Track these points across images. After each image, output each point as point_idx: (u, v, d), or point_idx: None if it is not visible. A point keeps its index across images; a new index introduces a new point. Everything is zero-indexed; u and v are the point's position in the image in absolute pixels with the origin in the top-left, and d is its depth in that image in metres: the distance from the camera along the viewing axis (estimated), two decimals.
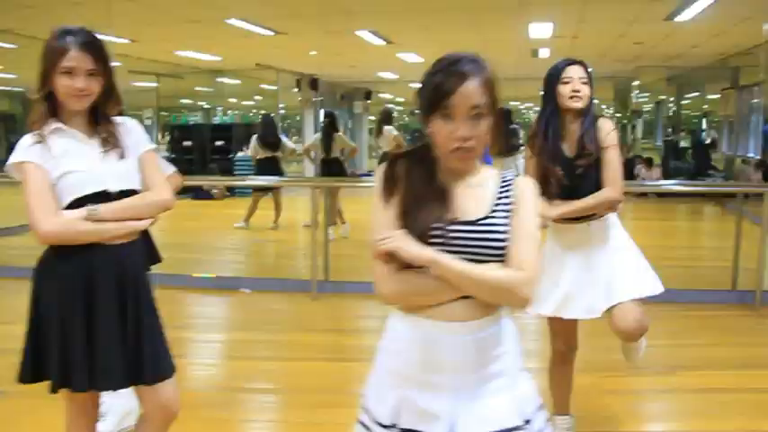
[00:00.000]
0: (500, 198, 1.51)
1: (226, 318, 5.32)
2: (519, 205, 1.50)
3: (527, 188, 1.54)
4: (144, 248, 2.11)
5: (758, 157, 11.16)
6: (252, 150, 8.33)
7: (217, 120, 16.32)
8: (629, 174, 10.01)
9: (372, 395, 1.56)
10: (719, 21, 7.70)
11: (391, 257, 1.43)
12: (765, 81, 9.63)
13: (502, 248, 1.46)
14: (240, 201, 9.92)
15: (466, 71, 1.41)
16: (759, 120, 11.27)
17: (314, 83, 13.23)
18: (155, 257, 2.50)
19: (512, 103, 21.67)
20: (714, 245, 7.65)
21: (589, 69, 2.55)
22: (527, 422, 1.48)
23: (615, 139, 2.53)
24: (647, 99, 16.95)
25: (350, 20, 7.89)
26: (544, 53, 10.30)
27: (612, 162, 2.51)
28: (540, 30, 8.29)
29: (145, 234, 2.12)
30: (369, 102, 18.54)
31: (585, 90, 2.50)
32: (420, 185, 1.49)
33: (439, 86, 1.42)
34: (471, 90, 1.40)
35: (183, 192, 7.10)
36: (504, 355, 1.51)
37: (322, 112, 9.50)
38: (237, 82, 15.59)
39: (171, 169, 2.68)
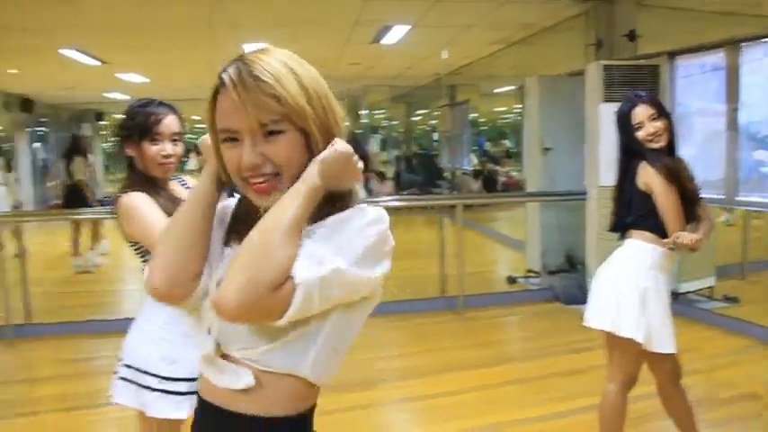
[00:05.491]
0: None
1: None
2: None
3: None
4: None
5: (471, 168, 12.22)
6: None
7: None
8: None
9: None
10: (422, 45, 8.25)
11: None
12: (471, 99, 10.59)
13: None
14: None
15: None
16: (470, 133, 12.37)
17: (26, 104, 11.94)
18: None
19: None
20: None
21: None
22: None
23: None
24: (383, 116, 17.87)
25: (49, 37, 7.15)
26: None
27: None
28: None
29: None
30: (104, 123, 17.30)
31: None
32: None
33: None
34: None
35: None
36: None
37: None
38: None
39: None
